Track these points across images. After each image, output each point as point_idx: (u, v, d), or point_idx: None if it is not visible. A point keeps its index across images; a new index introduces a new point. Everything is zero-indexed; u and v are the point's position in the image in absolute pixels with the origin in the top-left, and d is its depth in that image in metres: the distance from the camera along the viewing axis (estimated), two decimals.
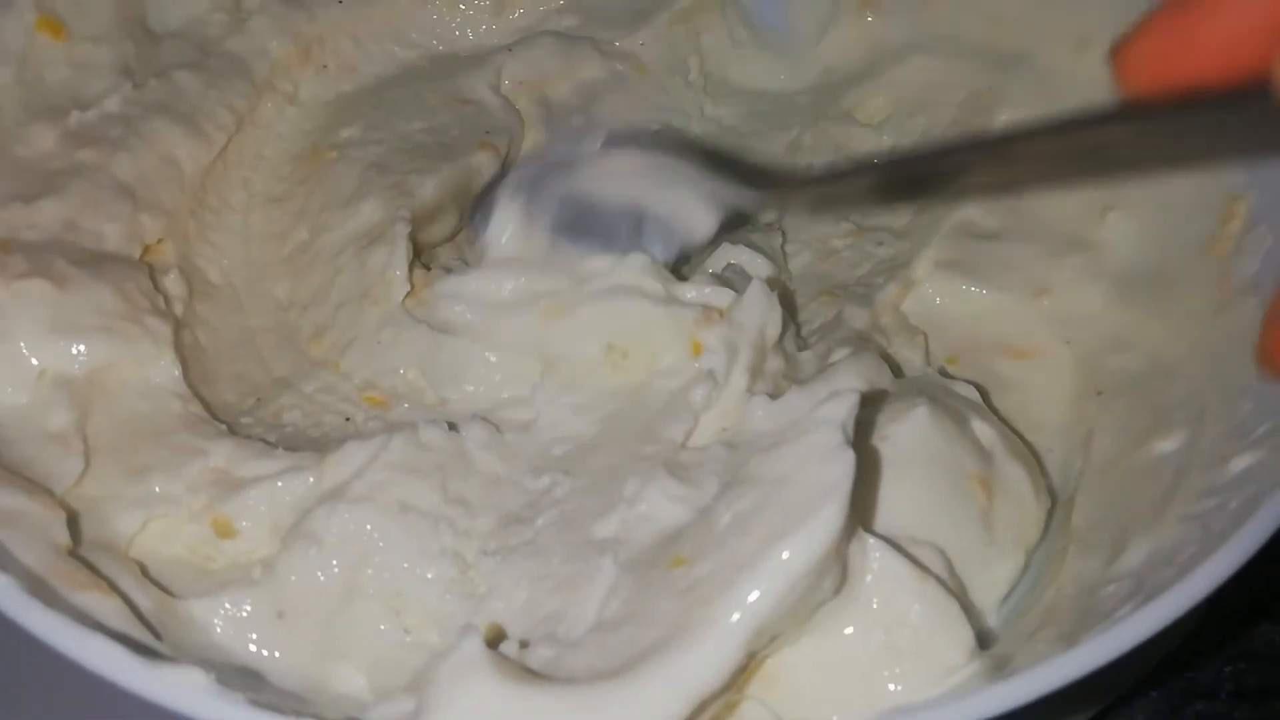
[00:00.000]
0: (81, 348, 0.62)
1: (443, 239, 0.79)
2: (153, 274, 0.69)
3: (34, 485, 0.57)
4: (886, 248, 0.77)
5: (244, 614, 0.57)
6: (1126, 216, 0.73)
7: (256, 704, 0.45)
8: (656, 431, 0.62)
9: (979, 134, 0.55)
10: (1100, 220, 0.74)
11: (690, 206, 0.69)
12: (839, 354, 0.67)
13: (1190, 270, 0.68)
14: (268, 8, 0.84)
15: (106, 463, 0.61)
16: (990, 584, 0.60)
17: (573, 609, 0.54)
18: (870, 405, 0.61)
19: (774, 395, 0.61)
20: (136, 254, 0.70)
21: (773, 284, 0.67)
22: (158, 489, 0.61)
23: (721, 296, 0.66)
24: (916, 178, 0.61)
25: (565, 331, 0.66)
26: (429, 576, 0.58)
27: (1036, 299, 0.72)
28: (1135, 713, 0.69)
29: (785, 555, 0.48)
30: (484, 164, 0.80)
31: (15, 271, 0.63)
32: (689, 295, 0.66)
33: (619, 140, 0.70)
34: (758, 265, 0.72)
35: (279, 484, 0.61)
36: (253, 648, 0.57)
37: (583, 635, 0.52)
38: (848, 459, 0.51)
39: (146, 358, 0.64)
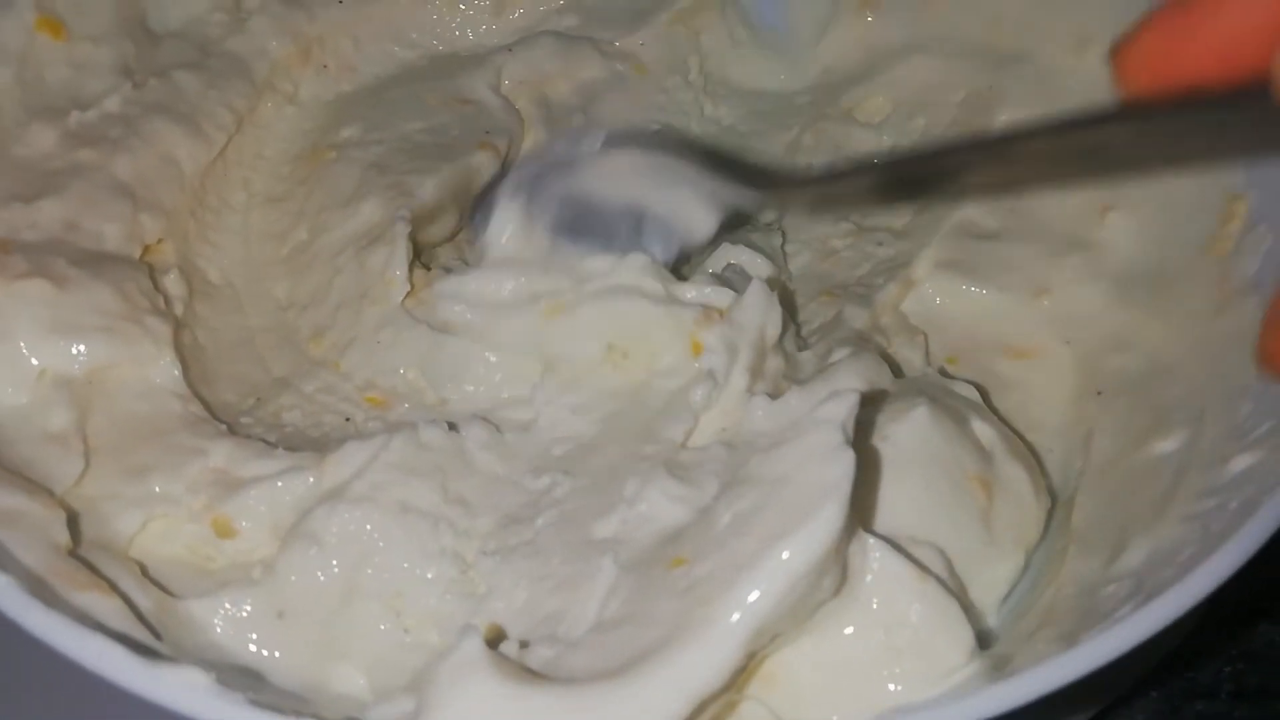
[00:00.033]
0: (81, 348, 0.62)
1: (442, 239, 0.79)
2: (152, 274, 0.69)
3: (34, 485, 0.57)
4: (886, 248, 0.77)
5: (244, 614, 0.57)
6: (1126, 216, 0.73)
7: (257, 704, 0.45)
8: (656, 431, 0.62)
9: (978, 134, 0.55)
10: (1100, 220, 0.74)
11: (690, 206, 0.69)
12: (839, 354, 0.67)
13: (1190, 270, 0.68)
14: (268, 8, 0.84)
15: (106, 463, 0.61)
16: (990, 584, 0.60)
17: (573, 609, 0.54)
18: (870, 405, 0.61)
19: (774, 395, 0.61)
20: (136, 254, 0.70)
21: (773, 284, 0.67)
22: (157, 489, 0.61)
23: (721, 296, 0.66)
24: (915, 178, 0.61)
25: (565, 331, 0.66)
26: (429, 576, 0.58)
27: (1036, 299, 0.72)
28: (1135, 712, 0.69)
29: (785, 555, 0.48)
30: (484, 164, 0.80)
31: (15, 271, 0.63)
32: (689, 295, 0.66)
33: (619, 140, 0.70)
34: (758, 265, 0.73)
35: (279, 484, 0.61)
36: (253, 648, 0.57)
37: (583, 635, 0.52)
38: (848, 459, 0.51)
39: (146, 358, 0.64)
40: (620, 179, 0.69)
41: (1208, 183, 0.69)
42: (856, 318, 0.72)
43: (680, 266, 0.71)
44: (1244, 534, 0.48)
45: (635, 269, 0.66)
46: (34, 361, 0.61)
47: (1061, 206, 0.75)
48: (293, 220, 0.78)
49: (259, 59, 0.82)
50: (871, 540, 0.53)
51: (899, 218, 0.79)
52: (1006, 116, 0.79)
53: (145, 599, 0.55)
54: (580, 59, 0.88)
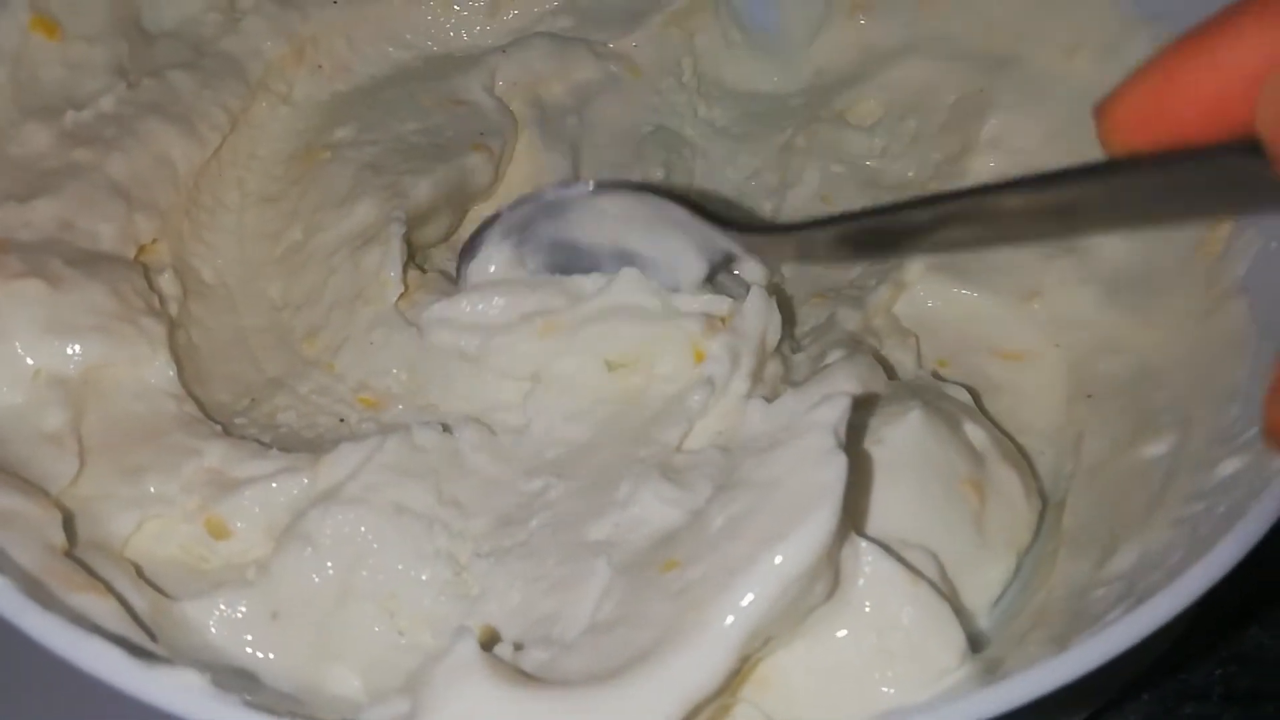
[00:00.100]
0: (76, 348, 0.62)
1: (437, 240, 0.79)
2: (147, 274, 0.69)
3: (29, 486, 0.57)
4: None
5: (238, 615, 0.57)
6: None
7: (252, 705, 0.45)
8: (651, 435, 0.62)
9: (963, 189, 0.55)
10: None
11: (680, 252, 0.68)
12: (833, 356, 0.67)
13: (1180, 273, 0.68)
14: (262, 8, 0.84)
15: (101, 463, 0.61)
16: (982, 586, 0.60)
17: (567, 611, 0.54)
18: (863, 408, 0.61)
19: (770, 398, 0.61)
20: (131, 254, 0.70)
21: (771, 289, 0.67)
22: (152, 489, 0.61)
23: (720, 304, 0.66)
24: (893, 231, 0.61)
25: (562, 350, 0.66)
26: (423, 578, 0.58)
27: (1027, 302, 0.72)
28: (1127, 715, 0.69)
29: (778, 559, 0.48)
30: (478, 165, 0.80)
31: (10, 271, 0.63)
32: (687, 305, 0.66)
33: (609, 187, 0.70)
34: (754, 270, 0.72)
35: (273, 485, 0.61)
36: (248, 649, 0.57)
37: (577, 637, 0.53)
38: (840, 463, 0.51)
39: (141, 358, 0.65)
40: (610, 224, 0.68)
41: None
42: (849, 320, 0.72)
43: None
44: (1232, 537, 0.48)
45: (629, 285, 0.65)
46: (29, 361, 0.61)
47: None
48: (287, 220, 0.78)
49: (253, 59, 0.82)
50: (864, 544, 0.53)
51: None
52: (997, 120, 0.79)
53: (140, 600, 0.55)
54: (574, 60, 0.88)
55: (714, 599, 0.48)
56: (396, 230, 0.73)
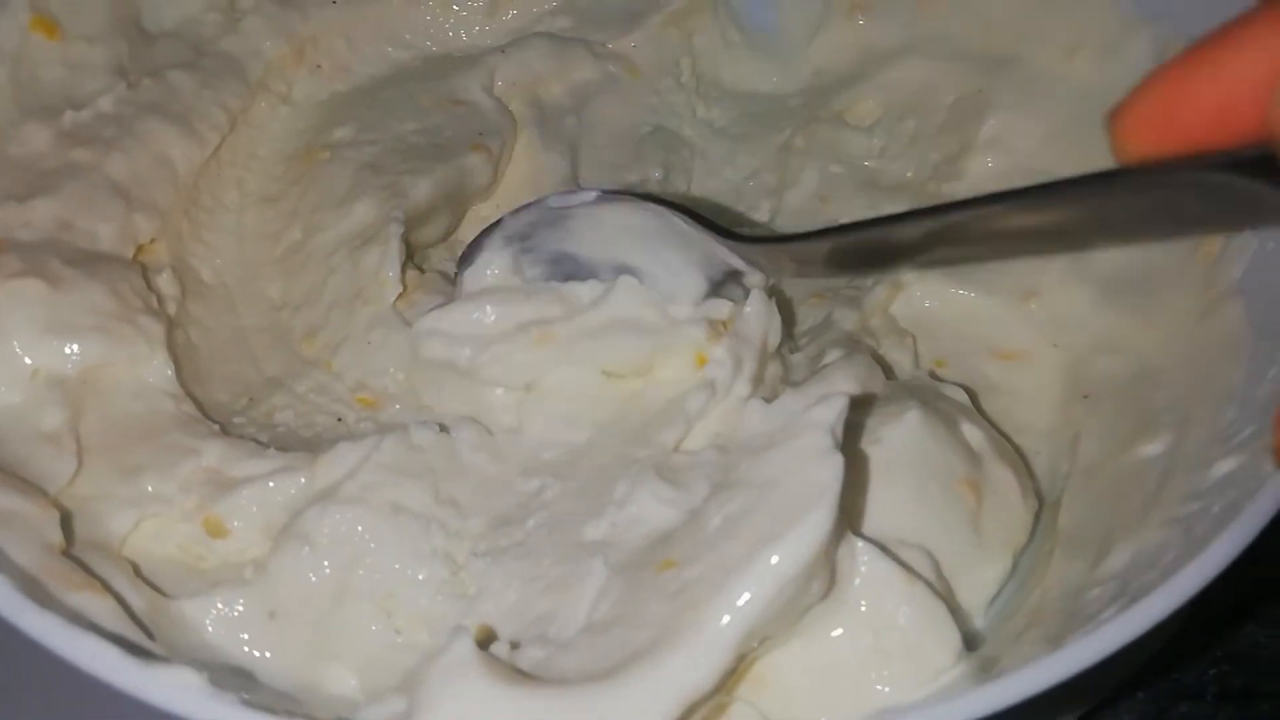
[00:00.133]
0: (75, 347, 0.62)
1: (435, 240, 0.80)
2: (146, 273, 0.70)
3: (27, 485, 0.57)
4: None
5: (236, 614, 0.57)
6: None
7: (249, 704, 0.45)
8: (649, 435, 0.62)
9: (967, 200, 0.55)
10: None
11: (680, 270, 0.67)
12: (831, 355, 0.67)
13: (1177, 274, 0.68)
14: (261, 8, 0.84)
15: (99, 462, 0.61)
16: (978, 586, 0.60)
17: (563, 610, 0.54)
18: (861, 408, 0.61)
19: (769, 399, 0.61)
20: (130, 254, 0.70)
21: (770, 291, 0.67)
22: (150, 488, 0.61)
23: (720, 307, 0.66)
24: (890, 245, 0.61)
25: (559, 360, 0.65)
26: (420, 577, 0.58)
27: (1024, 302, 0.73)
28: (1121, 713, 0.70)
29: (774, 559, 0.48)
30: (477, 165, 0.80)
31: (9, 271, 0.63)
32: (685, 313, 0.65)
33: (613, 197, 0.70)
34: (753, 279, 0.72)
35: (271, 484, 0.61)
36: (245, 648, 0.57)
37: (573, 637, 0.53)
38: (836, 463, 0.51)
39: (139, 357, 0.65)
40: (612, 237, 0.68)
41: None
42: (846, 320, 0.72)
43: None
44: (1226, 537, 0.48)
45: (627, 295, 0.65)
46: (27, 361, 0.61)
47: None
48: (286, 220, 0.78)
49: (253, 59, 0.82)
50: (860, 543, 0.53)
51: None
52: (996, 120, 0.79)
53: (138, 599, 0.55)
54: (573, 60, 0.88)
55: (710, 598, 0.48)
56: (395, 230, 0.73)
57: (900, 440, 0.60)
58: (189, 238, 0.76)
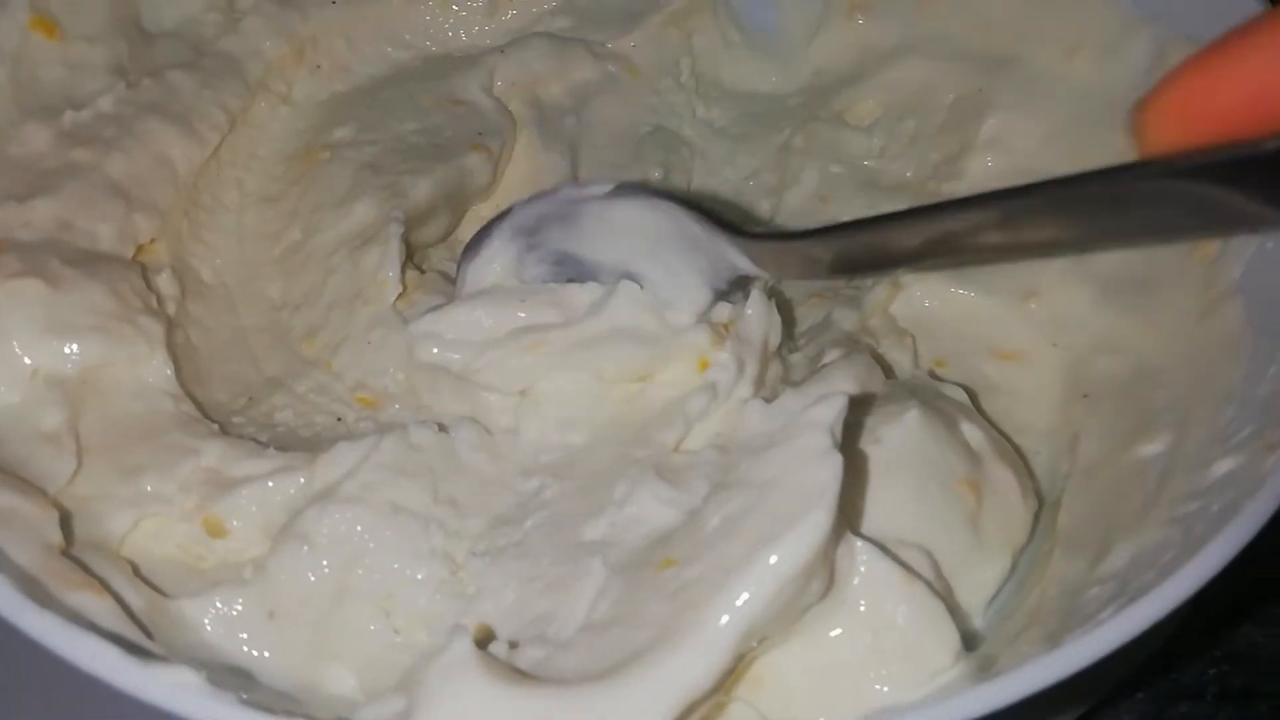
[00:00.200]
0: (75, 347, 0.62)
1: (435, 240, 0.80)
2: (146, 273, 0.70)
3: (27, 485, 0.57)
4: None
5: (235, 613, 0.57)
6: None
7: (248, 704, 0.45)
8: (649, 436, 0.62)
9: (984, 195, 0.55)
10: None
11: (685, 282, 0.66)
12: (831, 355, 0.67)
13: (1176, 274, 0.68)
14: (261, 8, 0.84)
15: (99, 462, 0.61)
16: (977, 586, 0.60)
17: (562, 610, 0.54)
18: (860, 408, 0.61)
19: (769, 399, 0.61)
20: (130, 253, 0.70)
21: (770, 292, 0.67)
22: (149, 488, 0.61)
23: (719, 310, 0.66)
24: (900, 245, 0.61)
25: (555, 366, 0.65)
26: (419, 577, 0.58)
27: (1024, 302, 0.73)
28: (1121, 713, 0.70)
29: (773, 559, 0.48)
30: (477, 165, 0.80)
31: (9, 271, 0.63)
32: (686, 321, 0.65)
33: (627, 191, 0.69)
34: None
35: (270, 484, 0.61)
36: (244, 647, 0.57)
37: (572, 636, 0.53)
38: (835, 463, 0.51)
39: (139, 357, 0.65)
40: (620, 239, 0.68)
41: None
42: (846, 320, 0.72)
43: None
44: (1225, 537, 0.48)
45: (626, 302, 0.64)
46: (27, 361, 0.61)
47: None
48: (286, 220, 0.78)
49: (253, 59, 0.82)
50: (859, 543, 0.53)
51: None
52: (996, 119, 0.79)
53: (137, 598, 0.55)
54: (572, 60, 0.88)
55: (710, 598, 0.48)
56: (395, 230, 0.73)
57: (900, 440, 0.60)
58: (189, 238, 0.76)
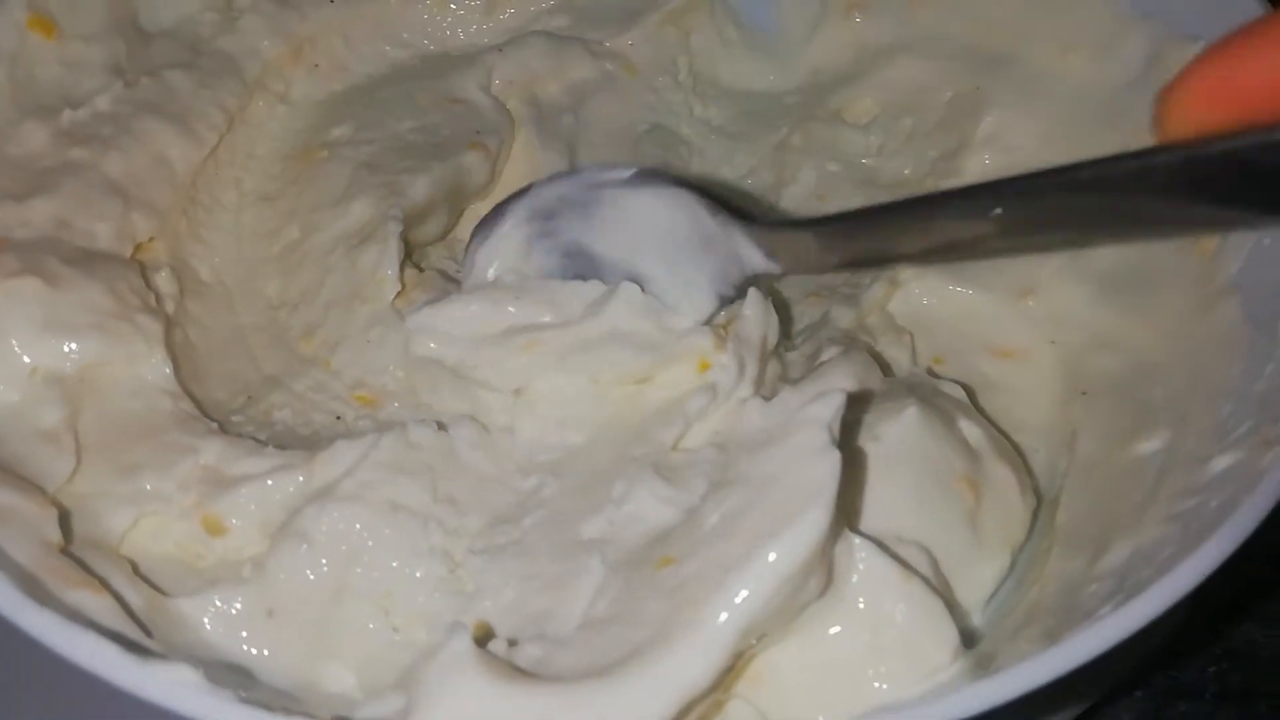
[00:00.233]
0: (73, 346, 0.62)
1: (434, 238, 0.80)
2: (144, 272, 0.70)
3: (25, 483, 0.57)
4: None
5: (234, 612, 0.57)
6: None
7: (246, 702, 0.45)
8: (647, 434, 0.62)
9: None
10: None
11: (693, 283, 0.66)
12: (829, 353, 0.67)
13: (1174, 271, 0.68)
14: (259, 7, 0.84)
15: (97, 460, 0.61)
16: (976, 583, 0.60)
17: (561, 608, 0.54)
18: (858, 405, 0.61)
19: (767, 397, 0.61)
20: (128, 252, 0.70)
21: (767, 291, 0.67)
22: (148, 486, 0.61)
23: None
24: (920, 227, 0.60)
25: (550, 367, 0.65)
26: (418, 575, 0.58)
27: (1022, 299, 0.73)
28: (1120, 712, 0.70)
29: (772, 557, 0.49)
30: (475, 164, 0.80)
31: (8, 270, 0.63)
32: (684, 324, 0.64)
33: (647, 178, 0.68)
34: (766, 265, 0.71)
35: (269, 482, 0.61)
36: (243, 646, 0.57)
37: (571, 634, 0.53)
38: (833, 460, 0.51)
39: (138, 356, 0.65)
40: (632, 233, 0.67)
41: None
42: (843, 318, 0.72)
43: None
44: (1223, 533, 0.48)
45: (625, 305, 0.64)
46: (26, 359, 0.61)
47: None
48: (284, 219, 0.78)
49: (250, 58, 0.82)
50: (858, 540, 0.53)
51: None
52: (993, 117, 0.80)
53: (136, 596, 0.55)
54: (570, 59, 0.88)
55: (708, 596, 0.48)
56: (393, 229, 0.73)
57: (898, 437, 0.60)
58: (187, 237, 0.76)
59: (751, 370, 0.63)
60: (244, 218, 0.79)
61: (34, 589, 0.49)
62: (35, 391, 0.61)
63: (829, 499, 0.50)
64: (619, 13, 0.91)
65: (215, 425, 0.65)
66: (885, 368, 0.69)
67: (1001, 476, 0.63)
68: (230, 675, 0.55)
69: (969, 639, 0.56)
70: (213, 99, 0.79)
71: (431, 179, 0.78)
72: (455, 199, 0.80)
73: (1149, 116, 0.73)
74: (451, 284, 0.72)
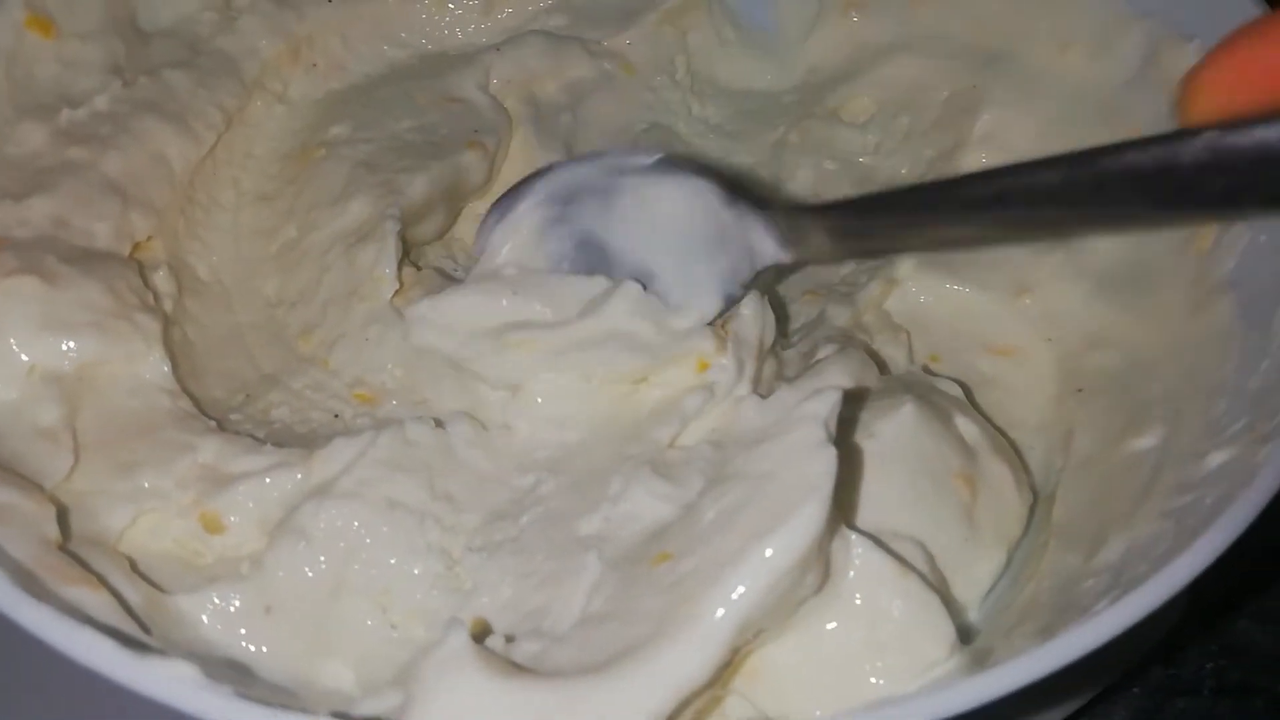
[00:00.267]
0: (71, 344, 0.62)
1: (432, 237, 0.80)
2: (142, 271, 0.70)
3: (24, 480, 0.57)
4: None
5: (232, 609, 0.57)
6: None
7: (244, 697, 0.45)
8: (644, 432, 0.62)
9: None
10: None
11: (701, 283, 0.66)
12: (825, 350, 0.67)
13: (1169, 268, 0.68)
14: (257, 7, 0.84)
15: (96, 458, 0.61)
16: (972, 579, 0.61)
17: (558, 605, 0.55)
18: (855, 402, 0.62)
19: (764, 395, 0.61)
20: (126, 251, 0.70)
21: (764, 290, 0.67)
22: (147, 484, 0.61)
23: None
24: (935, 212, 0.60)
25: (545, 367, 0.65)
26: (415, 572, 0.58)
27: (1018, 297, 0.73)
28: (1118, 709, 0.70)
29: (768, 552, 0.49)
30: (472, 163, 0.80)
31: (6, 269, 0.63)
32: (685, 325, 0.64)
33: (671, 165, 0.68)
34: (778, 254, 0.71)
35: (267, 480, 0.61)
36: (241, 642, 0.57)
37: (568, 630, 0.53)
38: (829, 456, 0.51)
39: (136, 354, 0.65)
40: (648, 225, 0.67)
41: None
42: (839, 316, 0.72)
43: None
44: (1217, 528, 0.48)
45: (624, 307, 0.64)
46: (24, 358, 0.61)
47: None
48: (282, 218, 0.78)
49: (249, 58, 0.82)
50: (854, 536, 0.54)
51: None
52: (990, 115, 0.80)
53: (134, 593, 0.55)
54: (568, 58, 0.88)
55: (705, 592, 0.49)
56: (391, 228, 0.73)
57: (894, 434, 0.61)
58: (185, 236, 0.76)
59: (750, 370, 0.63)
60: (242, 217, 0.79)
61: (32, 585, 0.49)
62: (34, 389, 0.61)
63: (825, 495, 0.50)
64: (617, 12, 0.91)
65: (213, 423, 0.65)
66: (882, 365, 0.69)
67: (998, 473, 0.63)
68: (228, 671, 0.55)
69: (965, 635, 0.57)
70: (211, 98, 0.79)
71: (429, 178, 0.78)
72: (453, 198, 0.80)
73: (1146, 115, 0.73)
74: (450, 282, 0.72)
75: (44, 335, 0.62)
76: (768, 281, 0.72)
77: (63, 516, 0.57)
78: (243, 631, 0.57)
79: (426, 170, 0.78)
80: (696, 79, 0.91)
